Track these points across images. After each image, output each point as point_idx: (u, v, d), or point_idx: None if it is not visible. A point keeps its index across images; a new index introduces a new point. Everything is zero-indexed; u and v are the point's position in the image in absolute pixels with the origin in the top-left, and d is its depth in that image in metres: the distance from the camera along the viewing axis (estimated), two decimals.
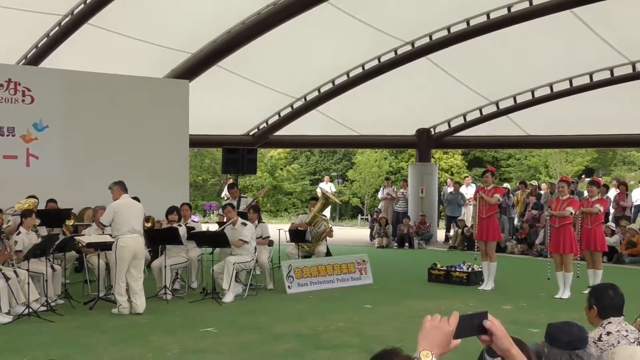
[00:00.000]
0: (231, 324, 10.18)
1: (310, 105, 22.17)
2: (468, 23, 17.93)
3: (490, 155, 40.53)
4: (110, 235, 11.62)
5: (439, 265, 14.41)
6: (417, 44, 19.21)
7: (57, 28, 16.95)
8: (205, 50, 18.90)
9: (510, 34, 17.64)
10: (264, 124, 23.20)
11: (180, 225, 12.79)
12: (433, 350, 2.23)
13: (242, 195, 16.77)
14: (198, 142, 22.67)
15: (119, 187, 11.22)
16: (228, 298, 11.91)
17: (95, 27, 16.74)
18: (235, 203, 15.27)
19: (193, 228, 13.42)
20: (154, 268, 12.61)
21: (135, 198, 11.86)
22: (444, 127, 23.62)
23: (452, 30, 18.34)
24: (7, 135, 15.95)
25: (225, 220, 13.21)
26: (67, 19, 16.65)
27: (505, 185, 25.24)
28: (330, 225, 15.16)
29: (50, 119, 16.45)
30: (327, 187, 27.74)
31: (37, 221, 12.28)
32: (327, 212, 27.42)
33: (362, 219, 33.16)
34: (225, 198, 16.28)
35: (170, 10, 17.19)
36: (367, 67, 20.40)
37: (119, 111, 17.35)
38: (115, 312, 10.77)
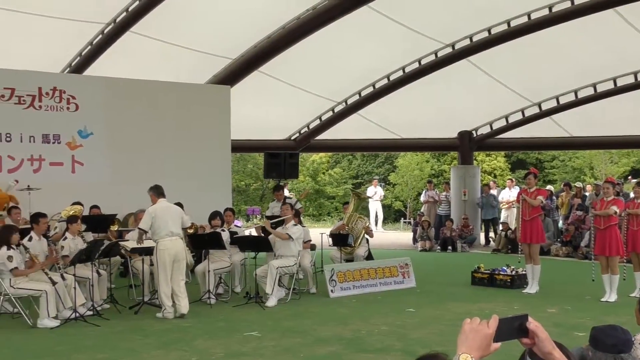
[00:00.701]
0: (274, 327, 10.22)
1: (351, 109, 22.16)
2: (509, 24, 17.78)
3: (533, 157, 40.10)
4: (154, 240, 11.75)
5: (482, 268, 14.31)
6: (457, 46, 19.10)
7: (100, 36, 17.16)
8: (246, 55, 19.00)
9: (552, 34, 17.44)
10: (306, 128, 23.24)
11: (223, 230, 12.88)
12: (472, 353, 2.22)
13: (286, 196, 16.80)
14: (240, 147, 22.78)
15: (153, 192, 11.38)
16: (271, 302, 11.96)
17: (137, 35, 16.92)
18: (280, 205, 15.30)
19: (236, 233, 13.50)
20: (197, 272, 12.71)
21: (179, 204, 11.97)
22: (486, 129, 23.45)
23: (493, 31, 18.21)
24: (53, 143, 16.18)
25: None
26: (110, 27, 16.85)
27: (549, 187, 24.96)
28: (368, 222, 15.08)
29: (94, 125, 16.66)
30: (373, 190, 27.77)
31: (83, 227, 12.46)
32: (379, 214, 27.58)
33: (404, 222, 33.02)
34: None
35: (210, 17, 17.30)
36: (407, 69, 20.34)
37: (162, 117, 17.52)
38: (160, 316, 10.87)
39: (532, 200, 12.97)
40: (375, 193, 27.47)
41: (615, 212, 12.10)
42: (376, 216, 27.74)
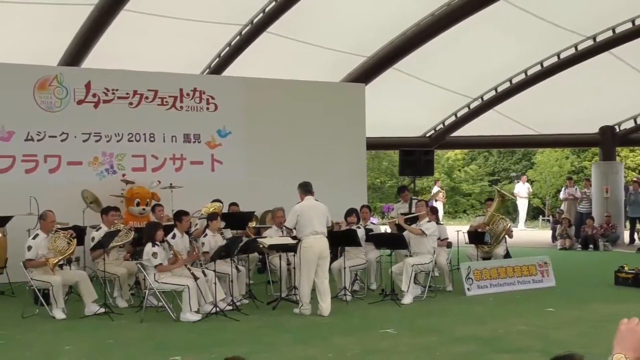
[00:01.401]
0: (410, 325, 10.18)
1: (487, 105, 21.82)
2: None
3: None
4: (291, 237, 11.92)
5: (626, 268, 13.78)
6: (599, 39, 18.49)
7: (238, 37, 17.56)
8: (380, 53, 19.02)
9: None
10: (441, 125, 23.04)
11: (359, 227, 12.92)
12: (628, 354, 2.14)
13: (413, 197, 16.69)
14: (375, 145, 22.81)
15: (301, 190, 11.41)
16: (407, 299, 11.91)
17: (273, 35, 17.23)
18: (407, 206, 15.24)
19: (371, 230, 13.52)
20: (333, 269, 12.79)
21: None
22: (629, 124, 22.59)
23: (637, 22, 17.52)
24: (194, 142, 16.67)
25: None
26: (247, 28, 17.23)
27: None
28: (509, 224, 14.82)
29: (232, 125, 17.05)
30: (523, 187, 27.43)
31: (222, 224, 12.78)
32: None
33: (543, 220, 32.24)
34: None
35: (345, 15, 17.42)
36: (545, 64, 19.84)
37: (298, 116, 17.74)
38: (297, 312, 10.99)
39: None
40: (519, 191, 27.49)
41: None
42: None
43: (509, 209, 29.06)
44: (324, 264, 11.16)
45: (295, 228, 11.23)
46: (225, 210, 14.18)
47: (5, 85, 14.85)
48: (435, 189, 29.25)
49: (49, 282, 10.75)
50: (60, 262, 11.18)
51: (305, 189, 11.40)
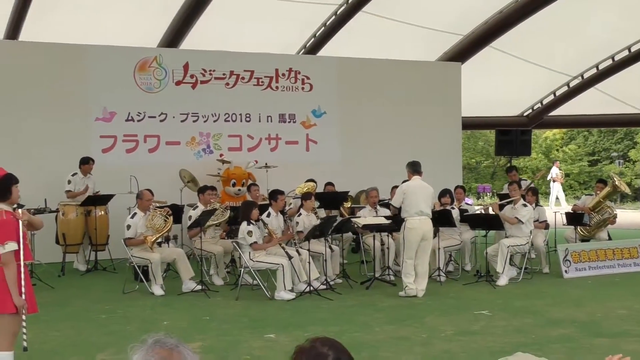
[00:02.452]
0: (505, 307, 10.06)
1: (587, 83, 21.22)
2: None
3: None
4: (385, 217, 11.89)
5: None
6: None
7: (334, 17, 17.55)
8: (477, 31, 18.72)
9: None
10: (539, 104, 22.54)
11: (453, 208, 12.82)
12: None
13: (522, 178, 16.39)
14: (471, 125, 22.51)
15: (409, 169, 11.22)
16: (502, 281, 11.77)
17: (368, 14, 17.14)
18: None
19: (466, 210, 13.40)
20: None
21: None
22: None
23: None
24: (289, 122, 16.81)
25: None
26: (343, 7, 17.19)
27: None
28: (615, 213, 14.35)
29: (327, 105, 17.12)
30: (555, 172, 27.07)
31: (317, 203, 12.85)
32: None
33: None
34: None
35: None
36: None
37: (392, 96, 17.67)
38: (402, 295, 10.81)
39: None
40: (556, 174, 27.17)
41: None
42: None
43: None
44: (426, 246, 11.02)
45: (400, 207, 11.12)
46: (320, 189, 14.26)
47: (108, 67, 15.25)
48: (554, 170, 28.71)
49: (148, 259, 11.04)
50: (159, 240, 11.45)
51: (414, 168, 11.20)
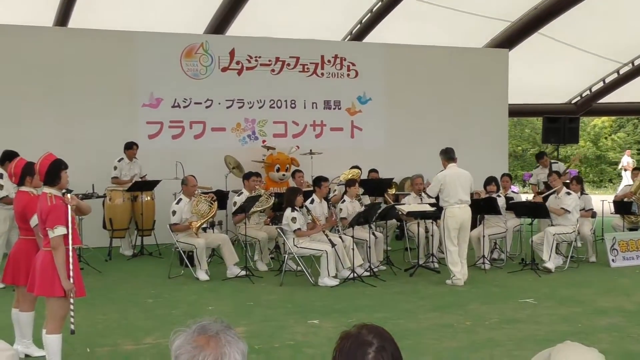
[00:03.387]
0: (551, 295, 9.98)
1: (638, 71, 20.86)
2: None
3: None
4: (429, 204, 11.83)
5: None
6: None
7: (380, 3, 17.45)
8: (525, 17, 18.47)
9: None
10: (587, 92, 22.22)
11: (499, 196, 12.72)
12: None
13: (552, 161, 16.21)
14: (517, 112, 22.29)
15: (444, 156, 11.10)
16: (550, 265, 11.68)
17: (415, 1, 17.02)
18: (546, 172, 14.83)
19: (512, 198, 13.28)
20: (472, 237, 12.66)
21: None
22: None
23: None
24: (334, 109, 16.79)
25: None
26: None
27: None
28: None
29: (373, 91, 17.06)
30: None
31: (361, 190, 12.84)
32: None
33: None
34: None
35: None
36: None
37: (439, 82, 17.56)
38: (449, 283, 10.77)
39: None
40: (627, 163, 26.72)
41: None
42: None
43: None
44: (465, 234, 10.97)
45: (438, 197, 11.05)
46: (364, 176, 14.24)
47: (155, 53, 15.36)
48: (625, 158, 28.32)
49: (193, 244, 11.13)
50: (204, 226, 11.54)
51: (448, 155, 11.08)
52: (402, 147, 16.82)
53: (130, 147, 13.86)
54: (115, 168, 13.71)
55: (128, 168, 13.81)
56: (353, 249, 11.06)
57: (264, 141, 15.84)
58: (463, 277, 10.81)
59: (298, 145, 15.68)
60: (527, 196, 14.80)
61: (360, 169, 14.05)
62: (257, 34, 16.51)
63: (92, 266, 11.69)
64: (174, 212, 11.33)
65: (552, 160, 16.32)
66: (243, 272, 11.23)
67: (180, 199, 11.48)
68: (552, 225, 12.09)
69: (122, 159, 13.80)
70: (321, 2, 17.00)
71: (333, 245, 10.70)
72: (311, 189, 12.31)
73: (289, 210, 10.96)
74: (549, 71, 20.52)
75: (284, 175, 15.07)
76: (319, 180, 11.85)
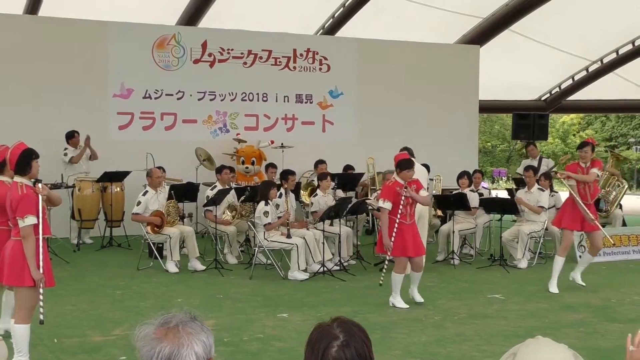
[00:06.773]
0: (519, 291, 10.07)
1: (607, 68, 21.04)
2: None
3: None
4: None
5: None
6: None
7: None
8: (496, 14, 18.57)
9: None
10: (557, 89, 22.40)
11: (472, 191, 12.81)
12: None
13: (543, 157, 16.32)
14: (488, 108, 22.41)
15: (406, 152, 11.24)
16: (522, 264, 11.90)
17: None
18: (535, 163, 14.93)
19: (482, 194, 13.37)
20: (441, 232, 12.74)
21: (425, 165, 11.90)
22: None
23: None
24: (306, 103, 16.79)
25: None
26: None
27: None
28: (626, 186, 14.28)
29: (344, 86, 17.08)
30: None
31: (333, 184, 12.85)
32: None
33: None
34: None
35: None
36: None
37: (410, 78, 17.61)
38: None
39: None
40: None
41: None
42: None
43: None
44: (422, 222, 10.89)
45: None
46: (337, 170, 14.25)
47: (127, 43, 15.26)
48: None
49: (167, 234, 11.06)
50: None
51: (410, 152, 11.14)
52: (373, 142, 16.81)
53: (72, 136, 13.73)
54: (65, 154, 13.61)
55: (75, 152, 13.72)
56: (323, 243, 11.07)
57: (237, 134, 15.80)
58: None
59: (272, 140, 15.66)
60: (496, 192, 14.88)
61: (325, 162, 14.01)
62: (229, 27, 16.45)
63: (60, 256, 11.59)
64: (138, 202, 11.25)
65: (544, 157, 16.39)
66: (203, 267, 11.20)
67: (147, 191, 11.41)
68: (517, 219, 12.22)
69: (66, 148, 13.68)
70: None
71: (289, 237, 10.74)
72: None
73: (262, 203, 10.93)
74: (519, 68, 20.65)
75: (247, 168, 15.05)
76: (285, 174, 11.80)
